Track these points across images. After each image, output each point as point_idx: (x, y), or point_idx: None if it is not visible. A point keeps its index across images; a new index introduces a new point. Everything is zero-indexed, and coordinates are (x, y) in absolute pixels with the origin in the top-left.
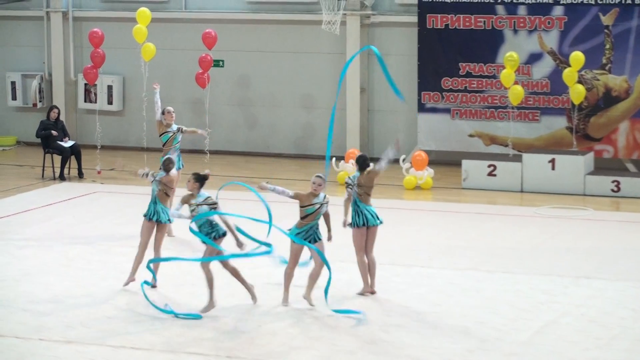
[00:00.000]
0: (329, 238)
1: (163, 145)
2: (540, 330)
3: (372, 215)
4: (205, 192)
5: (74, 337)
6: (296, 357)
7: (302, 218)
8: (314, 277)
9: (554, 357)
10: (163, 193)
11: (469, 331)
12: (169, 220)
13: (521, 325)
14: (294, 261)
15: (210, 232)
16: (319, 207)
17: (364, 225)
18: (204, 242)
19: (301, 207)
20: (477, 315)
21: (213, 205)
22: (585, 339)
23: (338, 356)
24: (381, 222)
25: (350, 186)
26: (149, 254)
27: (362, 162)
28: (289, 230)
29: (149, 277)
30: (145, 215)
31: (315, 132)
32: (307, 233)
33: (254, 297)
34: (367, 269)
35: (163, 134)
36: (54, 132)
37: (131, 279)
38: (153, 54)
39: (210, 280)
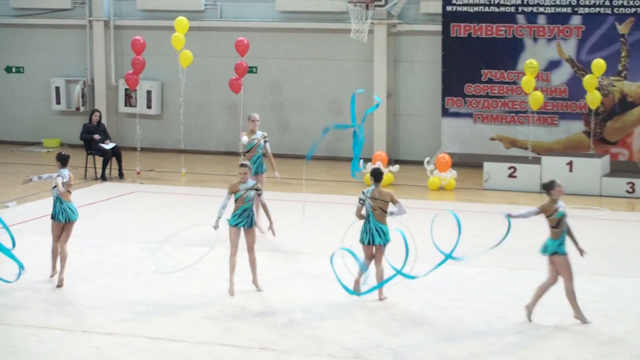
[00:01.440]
0: (581, 252)
1: (247, 152)
2: (558, 325)
3: (379, 234)
4: (65, 170)
5: (115, 329)
6: (326, 350)
7: (554, 227)
8: (544, 289)
9: (572, 351)
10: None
11: (490, 325)
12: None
13: (540, 320)
14: (556, 276)
15: None
16: (564, 211)
17: (369, 243)
18: None
19: (548, 217)
20: (498, 310)
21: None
22: (601, 333)
23: (365, 349)
24: (387, 241)
25: (362, 201)
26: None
27: (377, 175)
28: (545, 247)
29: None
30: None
31: (344, 135)
32: (564, 242)
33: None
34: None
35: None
36: (96, 137)
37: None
38: (190, 61)
39: None
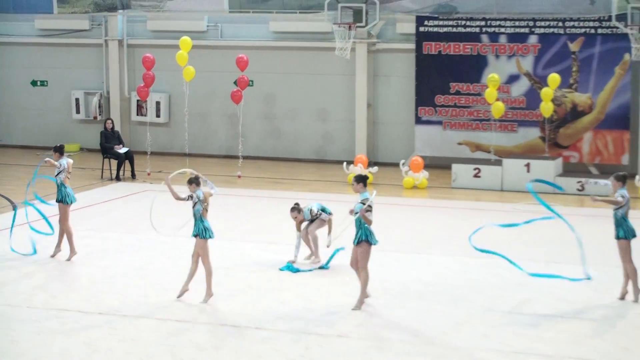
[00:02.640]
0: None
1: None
2: (517, 306)
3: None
4: (64, 159)
5: (128, 311)
6: (314, 329)
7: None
8: None
9: (529, 328)
10: (205, 210)
11: (458, 307)
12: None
13: (501, 302)
14: None
15: None
16: None
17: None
18: None
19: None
20: (465, 293)
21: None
22: (554, 313)
23: (346, 327)
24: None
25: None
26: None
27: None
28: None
29: None
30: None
31: (330, 141)
32: None
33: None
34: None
35: None
36: (117, 150)
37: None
38: (192, 75)
39: None
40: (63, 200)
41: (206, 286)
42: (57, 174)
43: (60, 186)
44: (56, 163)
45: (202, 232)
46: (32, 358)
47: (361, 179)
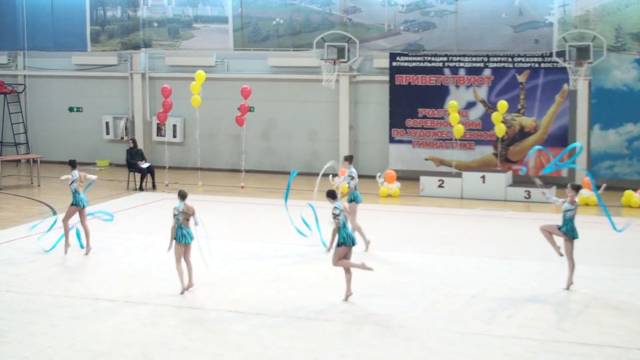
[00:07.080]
0: None
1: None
2: (475, 295)
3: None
4: (75, 171)
5: (150, 300)
6: (303, 314)
7: None
8: None
9: (484, 313)
10: (185, 219)
11: (425, 295)
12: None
13: (461, 292)
14: None
15: None
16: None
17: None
18: None
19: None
20: (430, 284)
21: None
22: (506, 302)
23: (331, 313)
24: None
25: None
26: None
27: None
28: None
29: None
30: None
31: (318, 157)
32: None
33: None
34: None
35: None
36: (140, 165)
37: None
38: (199, 103)
39: None
40: (77, 204)
41: (188, 279)
42: (71, 183)
43: (75, 193)
44: (68, 175)
45: (180, 238)
46: (69, 339)
47: (329, 195)
